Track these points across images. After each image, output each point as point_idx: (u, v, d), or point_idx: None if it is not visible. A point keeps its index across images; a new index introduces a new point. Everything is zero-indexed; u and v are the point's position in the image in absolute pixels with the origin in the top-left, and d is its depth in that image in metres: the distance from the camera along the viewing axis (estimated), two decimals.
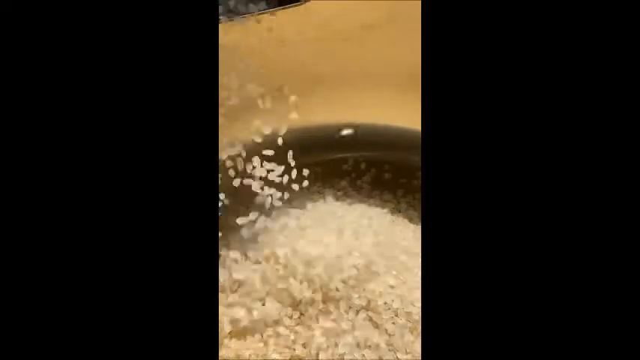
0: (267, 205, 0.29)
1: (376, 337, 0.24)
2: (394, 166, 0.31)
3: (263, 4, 0.27)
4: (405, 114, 0.30)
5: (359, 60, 0.30)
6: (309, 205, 0.30)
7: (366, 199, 0.31)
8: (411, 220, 0.30)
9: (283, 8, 0.27)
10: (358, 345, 0.24)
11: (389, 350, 0.24)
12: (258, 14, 0.27)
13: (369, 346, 0.24)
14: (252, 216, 0.29)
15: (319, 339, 0.24)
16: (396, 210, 0.31)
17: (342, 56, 0.30)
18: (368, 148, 0.32)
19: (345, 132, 0.30)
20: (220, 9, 0.26)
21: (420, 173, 0.30)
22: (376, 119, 0.31)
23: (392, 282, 0.25)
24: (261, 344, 0.25)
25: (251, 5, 0.27)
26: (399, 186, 0.31)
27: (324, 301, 0.25)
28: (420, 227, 0.29)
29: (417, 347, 0.24)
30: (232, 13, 0.27)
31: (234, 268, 0.28)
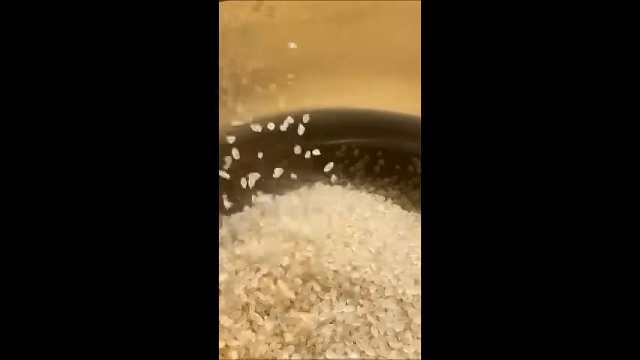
0: (259, 191, 0.29)
1: (368, 325, 0.24)
2: (388, 153, 0.31)
3: None
4: (399, 100, 0.30)
5: (351, 46, 0.30)
6: (301, 192, 0.31)
7: (358, 186, 0.31)
8: (403, 207, 0.30)
9: None
10: (350, 333, 0.24)
11: (380, 338, 0.24)
12: None
13: (361, 334, 0.24)
14: (243, 202, 0.29)
15: (309, 327, 0.24)
16: (389, 197, 0.31)
17: (334, 42, 0.30)
18: (361, 134, 0.31)
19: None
20: None
21: (414, 159, 0.31)
22: (370, 105, 0.31)
23: (384, 269, 0.25)
24: (250, 332, 0.25)
25: None
26: (392, 172, 0.32)
27: (314, 289, 0.25)
28: (412, 214, 0.30)
29: (409, 335, 0.24)
30: None
31: (222, 255, 0.28)
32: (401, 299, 0.25)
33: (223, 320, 0.25)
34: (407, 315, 0.25)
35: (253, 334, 0.25)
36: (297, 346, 0.24)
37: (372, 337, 0.24)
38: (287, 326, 0.24)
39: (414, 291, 0.25)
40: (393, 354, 0.24)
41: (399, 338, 0.24)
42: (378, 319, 0.24)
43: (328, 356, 0.24)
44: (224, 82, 0.28)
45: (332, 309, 0.24)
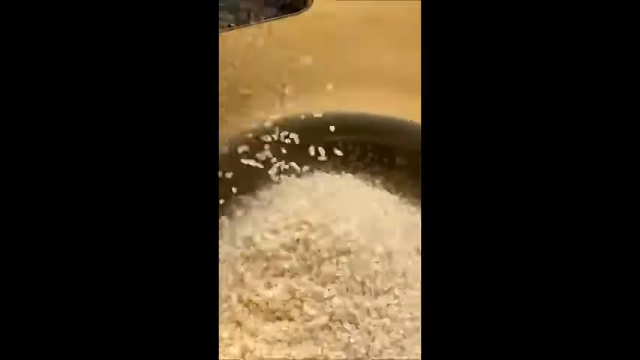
0: (272, 178, 0.32)
1: (362, 283, 0.28)
2: (377, 148, 0.34)
3: (272, 12, 0.29)
4: (388, 105, 0.33)
5: (348, 60, 0.33)
6: (304, 179, 0.33)
7: (352, 173, 0.34)
8: (389, 191, 0.33)
9: (289, 16, 0.29)
10: (347, 289, 0.27)
11: (372, 290, 0.28)
12: (265, 22, 0.29)
13: (356, 290, 0.28)
14: (256, 192, 0.32)
15: (316, 285, 0.28)
16: (376, 182, 0.34)
17: (332, 55, 0.33)
18: (355, 133, 0.34)
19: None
20: (231, 17, 0.28)
21: (398, 155, 0.34)
22: (364, 109, 0.34)
23: (374, 239, 0.29)
24: (269, 289, 0.28)
25: (260, 15, 0.29)
26: (380, 164, 0.34)
27: (319, 256, 0.28)
28: (395, 196, 0.33)
29: (396, 290, 0.28)
30: (241, 22, 0.29)
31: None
32: (388, 261, 0.28)
33: (248, 280, 0.28)
34: (395, 274, 0.28)
35: (271, 291, 0.28)
36: (307, 299, 0.28)
37: (364, 292, 0.28)
38: (298, 285, 0.28)
39: (398, 256, 0.28)
40: (383, 302, 0.28)
41: (386, 290, 0.28)
42: (369, 277, 0.28)
43: (332, 307, 0.27)
44: (229, 90, 0.30)
45: (333, 271, 0.28)
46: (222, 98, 0.29)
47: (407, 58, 0.29)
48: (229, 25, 0.30)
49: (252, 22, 0.30)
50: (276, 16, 0.30)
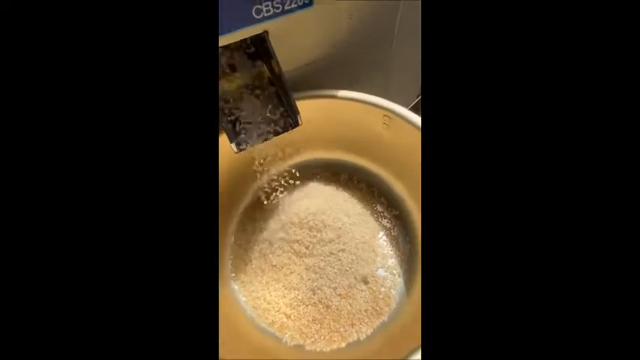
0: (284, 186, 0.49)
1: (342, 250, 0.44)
2: (350, 171, 0.52)
3: (270, 134, 0.34)
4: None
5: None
6: (304, 187, 0.50)
7: (333, 187, 0.52)
8: (350, 195, 0.51)
9: (285, 132, 0.35)
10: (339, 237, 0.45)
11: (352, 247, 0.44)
12: (265, 140, 0.36)
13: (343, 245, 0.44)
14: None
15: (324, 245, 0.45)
16: (343, 189, 0.51)
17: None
18: (335, 169, 0.52)
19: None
20: (234, 145, 0.33)
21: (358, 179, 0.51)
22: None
23: (340, 218, 0.46)
24: (262, 253, 0.46)
25: (259, 138, 0.34)
26: (352, 186, 0.52)
27: (318, 230, 0.45)
28: (343, 193, 0.50)
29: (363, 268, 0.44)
30: (244, 144, 0.34)
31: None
32: (343, 229, 0.46)
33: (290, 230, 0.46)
34: (336, 226, 0.45)
35: (261, 256, 0.47)
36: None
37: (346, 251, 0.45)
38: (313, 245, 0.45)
39: (357, 232, 0.46)
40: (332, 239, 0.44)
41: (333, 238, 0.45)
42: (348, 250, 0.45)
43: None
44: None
45: (327, 246, 0.45)
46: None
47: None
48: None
49: (253, 144, 0.35)
50: (274, 135, 0.36)
